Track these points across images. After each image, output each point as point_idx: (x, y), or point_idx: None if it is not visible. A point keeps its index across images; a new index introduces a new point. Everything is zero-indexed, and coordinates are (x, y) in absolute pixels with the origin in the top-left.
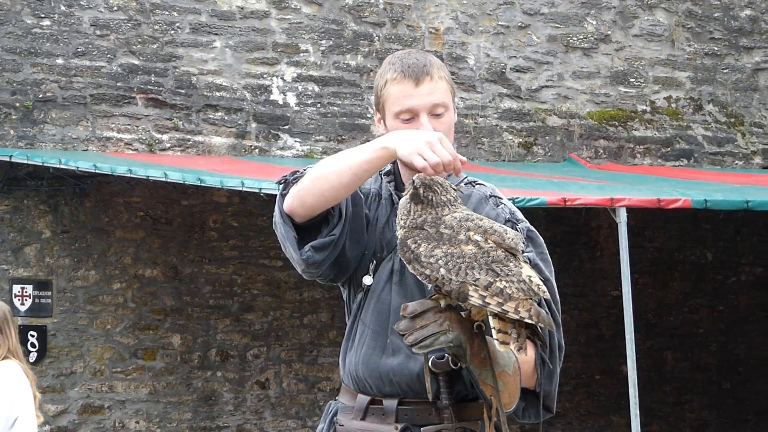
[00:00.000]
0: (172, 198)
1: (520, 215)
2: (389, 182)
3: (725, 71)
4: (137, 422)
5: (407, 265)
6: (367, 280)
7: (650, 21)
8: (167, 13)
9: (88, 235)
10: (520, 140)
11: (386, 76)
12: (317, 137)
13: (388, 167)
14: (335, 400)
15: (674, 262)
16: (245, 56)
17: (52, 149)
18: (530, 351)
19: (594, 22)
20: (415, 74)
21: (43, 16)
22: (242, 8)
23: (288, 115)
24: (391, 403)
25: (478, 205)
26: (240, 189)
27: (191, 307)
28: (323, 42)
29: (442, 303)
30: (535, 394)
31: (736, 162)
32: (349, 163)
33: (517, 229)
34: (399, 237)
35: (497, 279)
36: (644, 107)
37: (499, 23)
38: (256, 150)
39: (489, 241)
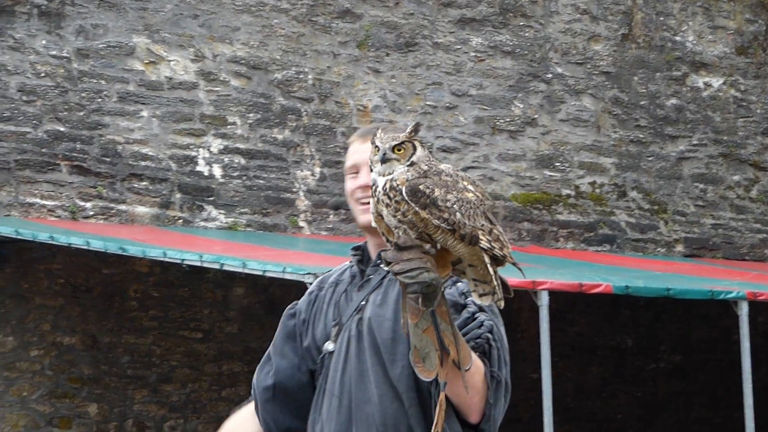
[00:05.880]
0: (93, 266)
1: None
2: (354, 256)
3: (650, 159)
4: None
5: (422, 211)
6: (330, 346)
7: (577, 106)
8: (95, 81)
9: (7, 301)
10: None
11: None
12: (242, 210)
13: (361, 243)
14: None
15: (594, 347)
16: (172, 126)
17: None
18: (480, 363)
19: (521, 106)
20: (364, 133)
21: None
22: (170, 79)
23: (213, 186)
24: None
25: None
26: (162, 259)
27: (109, 376)
28: (251, 115)
29: (428, 246)
30: (472, 428)
31: (659, 249)
32: None
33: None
34: (406, 187)
35: (493, 226)
36: (569, 191)
37: (427, 103)
38: (180, 221)
39: (478, 191)
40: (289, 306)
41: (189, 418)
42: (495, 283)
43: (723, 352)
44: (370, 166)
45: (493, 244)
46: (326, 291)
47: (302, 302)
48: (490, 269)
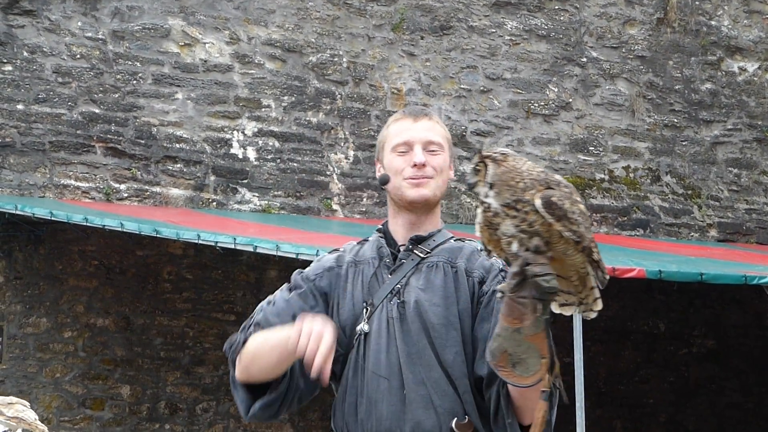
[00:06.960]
0: (127, 248)
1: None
2: (380, 237)
3: (684, 143)
4: None
5: (556, 223)
6: (365, 327)
7: (611, 90)
8: (130, 63)
9: (41, 282)
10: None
11: (389, 121)
12: (275, 192)
13: (379, 226)
14: None
15: (627, 332)
16: (206, 109)
17: (8, 195)
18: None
19: (555, 90)
20: (414, 113)
21: (5, 61)
22: (205, 61)
23: (247, 169)
24: None
25: (471, 257)
26: (196, 241)
27: (142, 358)
28: (285, 98)
29: (549, 255)
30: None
31: (692, 234)
32: (271, 343)
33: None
34: (541, 200)
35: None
36: (602, 176)
37: (462, 86)
38: (214, 203)
39: (582, 202)
40: (297, 271)
41: (221, 400)
42: (595, 295)
43: (756, 337)
44: (480, 195)
45: (599, 257)
46: (346, 269)
47: (322, 276)
48: (594, 281)
